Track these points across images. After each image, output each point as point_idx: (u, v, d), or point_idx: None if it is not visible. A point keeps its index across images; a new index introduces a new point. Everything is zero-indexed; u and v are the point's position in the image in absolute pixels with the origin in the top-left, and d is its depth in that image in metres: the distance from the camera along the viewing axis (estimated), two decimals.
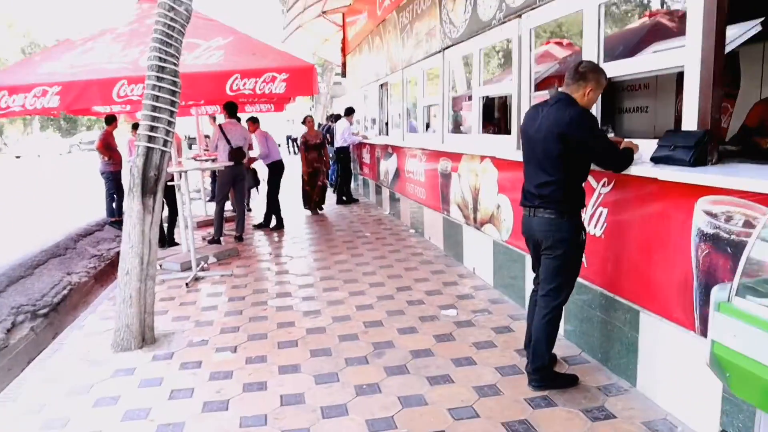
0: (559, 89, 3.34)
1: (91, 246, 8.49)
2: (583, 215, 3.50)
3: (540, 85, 6.94)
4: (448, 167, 6.80)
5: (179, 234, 7.89)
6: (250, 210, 11.34)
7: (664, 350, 3.22)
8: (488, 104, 10.51)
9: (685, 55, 3.14)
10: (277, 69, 5.72)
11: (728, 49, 3.32)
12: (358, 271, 6.37)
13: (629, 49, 7.26)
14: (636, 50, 6.86)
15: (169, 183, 7.17)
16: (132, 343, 4.40)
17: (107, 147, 9.34)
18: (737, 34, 3.53)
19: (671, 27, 8.17)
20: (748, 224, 2.64)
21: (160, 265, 6.93)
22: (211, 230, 8.45)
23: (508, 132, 6.83)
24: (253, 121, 9.23)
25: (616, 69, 3.69)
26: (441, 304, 5.12)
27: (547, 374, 3.46)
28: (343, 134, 11.73)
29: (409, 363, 3.95)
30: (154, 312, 4.59)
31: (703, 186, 2.84)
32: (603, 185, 3.71)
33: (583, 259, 3.50)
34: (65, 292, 6.52)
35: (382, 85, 11.39)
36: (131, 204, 4.36)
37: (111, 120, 9.47)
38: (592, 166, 3.38)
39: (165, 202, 7.89)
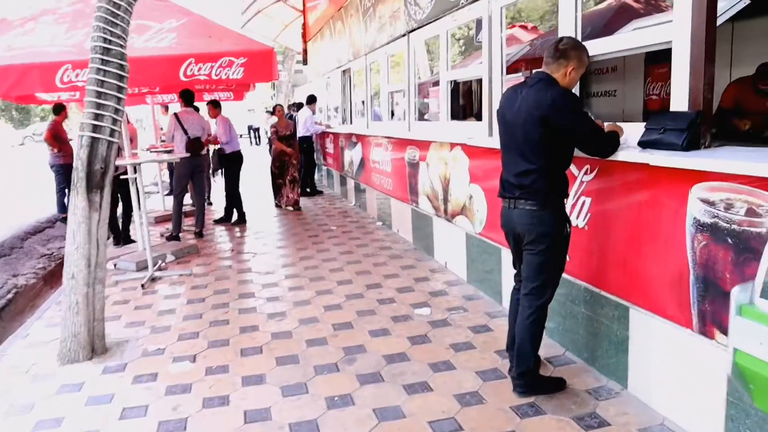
0: (539, 69, 3.08)
1: (41, 244, 7.99)
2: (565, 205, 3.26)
3: (508, 69, 6.71)
4: (415, 156, 6.52)
5: (135, 230, 7.46)
6: (210, 204, 10.91)
7: (657, 349, 3.00)
8: (453, 90, 10.29)
9: (673, 31, 2.91)
10: (234, 53, 5.35)
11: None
12: (324, 267, 6.06)
13: (597, 31, 7.08)
14: (605, 32, 6.68)
15: (123, 176, 6.76)
16: (80, 354, 4.02)
17: (56, 138, 8.80)
18: (725, 7, 3.31)
19: (638, 8, 8.05)
20: (752, 213, 2.43)
21: (114, 265, 6.52)
22: (170, 226, 8.03)
23: (477, 117, 6.60)
24: (214, 105, 8.78)
25: (598, 47, 3.44)
26: (413, 303, 4.86)
27: (532, 379, 3.22)
28: (305, 123, 11.35)
29: (384, 369, 3.67)
30: (104, 318, 4.21)
31: (699, 171, 2.62)
32: (585, 173, 3.48)
33: None
34: (9, 296, 6.06)
35: (344, 72, 11.04)
36: (75, 201, 3.97)
37: (60, 109, 8.92)
38: (575, 152, 3.14)
39: (120, 197, 7.48)
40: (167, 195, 10.43)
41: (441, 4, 5.61)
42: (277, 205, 10.13)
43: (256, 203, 10.60)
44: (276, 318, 4.68)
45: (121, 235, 7.60)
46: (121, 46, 4.10)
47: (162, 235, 8.11)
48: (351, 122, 10.80)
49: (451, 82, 5.91)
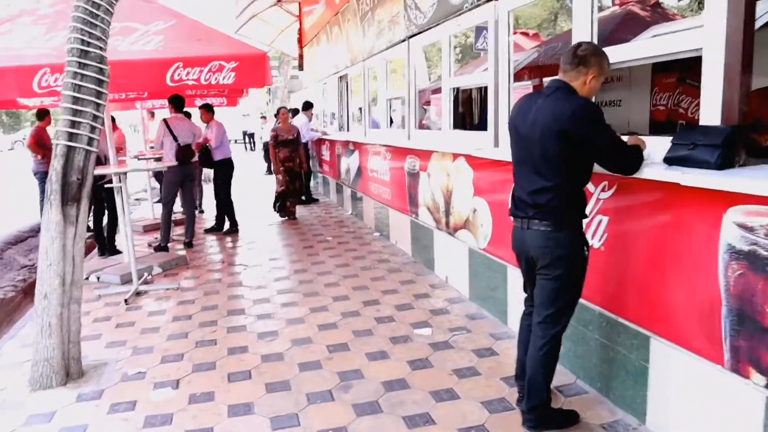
0: (555, 77, 2.81)
1: (22, 255, 7.67)
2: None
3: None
4: (415, 166, 6.25)
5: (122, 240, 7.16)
6: (202, 211, 10.62)
7: (681, 384, 2.73)
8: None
9: (704, 36, 2.64)
10: (225, 57, 5.07)
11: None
12: (319, 282, 5.77)
13: (603, 38, 6.83)
14: (613, 40, 6.43)
15: (108, 185, 6.47)
16: (53, 379, 3.72)
17: (40, 144, 8.49)
18: (764, 10, 3.05)
19: (644, 16, 7.81)
20: None
21: (98, 278, 6.22)
22: (158, 235, 7.73)
23: (477, 127, 6.32)
24: (207, 110, 8.48)
25: (619, 54, 3.17)
26: (413, 322, 4.57)
27: (544, 413, 2.94)
28: (301, 130, 11.05)
29: (382, 398, 3.38)
30: (80, 341, 3.91)
31: (735, 193, 2.34)
32: (602, 189, 3.21)
33: None
34: None
35: (341, 78, 10.78)
36: (49, 214, 3.68)
37: (43, 115, 8.62)
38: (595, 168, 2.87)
39: (106, 205, 7.18)
40: (156, 202, 10.13)
41: (443, 9, 5.35)
42: (279, 213, 9.57)
43: (248, 212, 10.31)
44: (267, 338, 4.39)
45: (106, 246, 7.30)
46: (101, 48, 3.82)
47: (150, 245, 7.82)
48: (348, 129, 10.53)
49: (454, 89, 5.64)
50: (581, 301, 3.30)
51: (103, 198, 7.12)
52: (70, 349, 3.82)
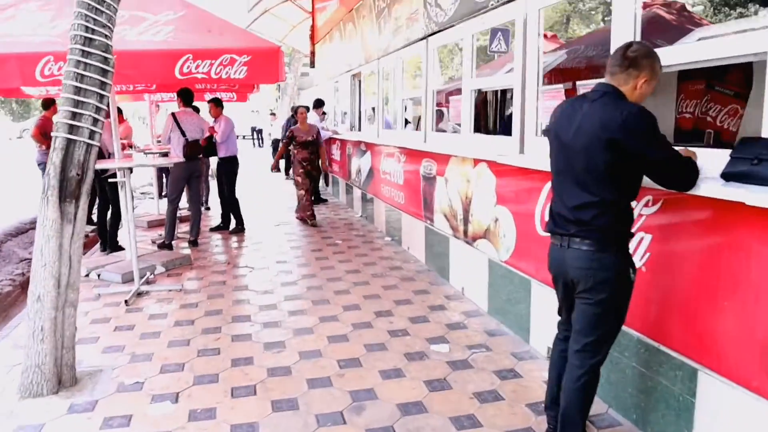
0: (601, 80, 2.54)
1: (22, 248, 7.44)
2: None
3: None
4: (432, 170, 5.98)
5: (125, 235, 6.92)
6: (208, 209, 10.37)
7: (735, 425, 2.46)
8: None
9: None
10: (237, 50, 4.82)
11: None
12: (328, 288, 5.51)
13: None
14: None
15: (111, 179, 6.24)
16: (44, 387, 3.47)
17: (44, 135, 8.23)
18: None
19: (670, 20, 7.52)
20: None
21: (98, 275, 5.98)
22: (162, 232, 7.49)
23: (493, 131, 6.05)
24: (216, 104, 8.20)
25: (672, 56, 2.90)
26: (429, 337, 4.31)
27: None
28: None
29: (398, 423, 3.12)
30: (74, 346, 3.66)
31: None
32: (646, 205, 2.94)
33: None
34: None
35: (354, 76, 10.53)
36: (45, 211, 3.43)
37: (49, 104, 8.37)
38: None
39: (109, 199, 6.95)
40: (162, 197, 9.90)
41: (467, 6, 5.08)
42: (301, 219, 8.98)
43: (256, 210, 10.08)
44: (273, 349, 4.13)
45: (107, 242, 7.06)
46: (106, 36, 3.57)
47: (153, 242, 7.58)
48: (359, 129, 10.27)
49: (475, 91, 5.37)
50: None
51: (107, 192, 6.88)
52: (63, 355, 3.57)
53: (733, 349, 2.46)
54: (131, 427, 3.15)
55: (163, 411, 3.30)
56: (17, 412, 3.32)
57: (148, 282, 5.80)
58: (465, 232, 5.21)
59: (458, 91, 9.51)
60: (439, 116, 9.88)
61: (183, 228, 8.18)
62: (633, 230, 2.79)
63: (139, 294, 5.41)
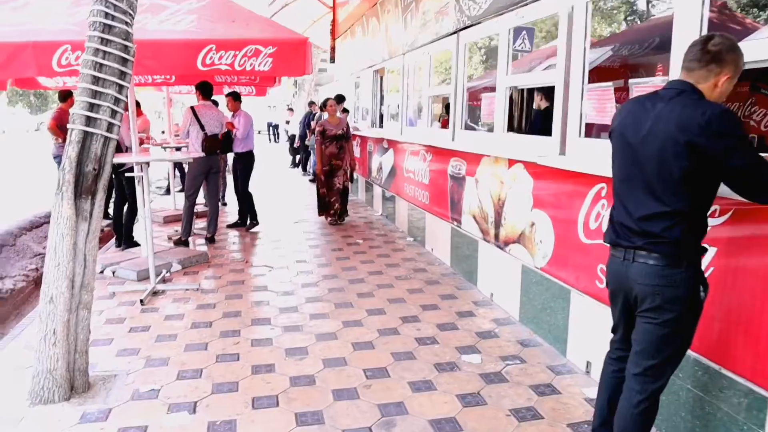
0: (676, 78, 2.29)
1: (36, 242, 7.29)
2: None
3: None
4: (461, 170, 5.74)
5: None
6: (225, 204, 10.19)
7: None
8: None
9: None
10: (262, 41, 4.60)
11: None
12: (351, 291, 5.29)
13: (668, 43, 6.26)
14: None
15: (128, 174, 6.06)
16: (55, 393, 3.28)
17: (61, 127, 8.08)
18: None
19: (711, 17, 7.21)
20: None
21: (113, 272, 5.80)
22: (179, 228, 7.32)
23: (517, 130, 5.80)
24: (235, 98, 7.99)
25: (750, 52, 2.63)
26: (459, 346, 4.08)
27: None
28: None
29: None
30: (88, 350, 3.47)
31: None
32: (711, 215, 2.68)
33: None
34: None
35: (376, 72, 10.30)
36: (59, 208, 3.24)
37: (66, 96, 8.22)
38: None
39: (127, 194, 6.78)
40: (179, 191, 9.74)
41: None
42: (322, 214, 8.62)
43: (273, 207, 9.90)
44: (296, 356, 3.92)
45: (122, 237, 6.89)
46: (127, 23, 3.38)
47: (170, 238, 7.40)
48: (381, 126, 10.04)
49: (509, 88, 5.12)
50: None
51: (125, 186, 6.71)
52: (76, 359, 3.38)
53: None
54: None
55: (180, 422, 3.10)
56: (27, 419, 3.14)
57: (164, 280, 5.62)
58: (496, 236, 4.97)
59: (480, 90, 9.27)
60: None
61: (199, 224, 8.01)
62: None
63: (154, 293, 5.22)
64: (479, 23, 5.40)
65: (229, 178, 9.98)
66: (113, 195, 7.14)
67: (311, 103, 16.20)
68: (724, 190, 2.22)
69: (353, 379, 3.57)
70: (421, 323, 4.50)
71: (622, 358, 2.53)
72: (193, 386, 3.49)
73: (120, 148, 6.83)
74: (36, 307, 5.23)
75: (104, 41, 3.30)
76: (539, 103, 5.80)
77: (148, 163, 5.68)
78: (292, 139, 18.21)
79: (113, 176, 6.97)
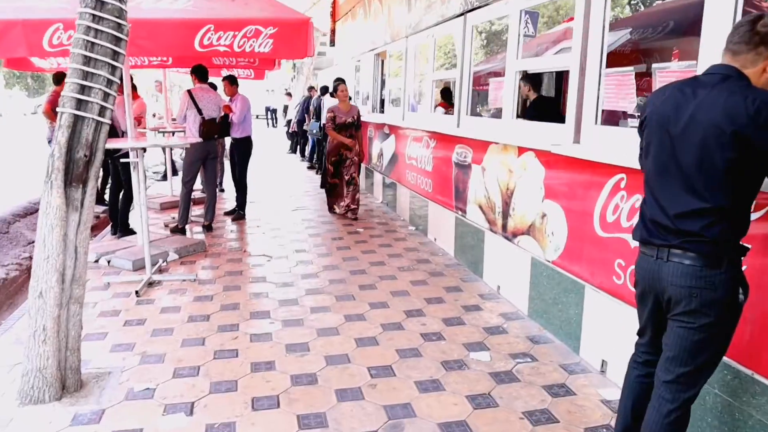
0: (719, 63, 2.10)
1: (30, 230, 7.09)
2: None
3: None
4: (466, 157, 5.56)
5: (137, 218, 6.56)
6: (222, 190, 10.00)
7: None
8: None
9: None
10: (262, 21, 4.40)
11: None
12: (352, 282, 5.12)
13: (684, 27, 6.07)
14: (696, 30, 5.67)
15: (123, 160, 5.88)
16: (46, 393, 3.12)
17: (56, 111, 7.85)
18: None
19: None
20: None
21: (108, 261, 5.63)
22: (176, 214, 7.13)
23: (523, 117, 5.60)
24: (231, 82, 7.75)
25: None
26: (467, 342, 3.92)
27: None
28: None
29: None
30: (80, 347, 3.30)
31: None
32: None
33: None
34: None
35: (378, 55, 10.07)
36: (48, 197, 3.06)
37: (61, 78, 7.94)
38: None
39: (123, 180, 6.59)
40: (173, 175, 9.54)
41: None
42: (331, 210, 8.18)
43: (272, 194, 9.72)
44: (297, 352, 3.76)
45: (118, 225, 6.71)
46: (120, 0, 3.17)
47: (166, 226, 7.22)
48: (382, 111, 9.83)
49: (519, 72, 4.93)
50: None
51: (121, 172, 6.52)
52: (67, 357, 3.21)
53: None
54: None
55: (176, 424, 2.94)
56: (16, 420, 2.97)
57: (160, 270, 5.45)
58: (504, 227, 4.80)
59: (482, 75, 9.06)
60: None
61: (197, 211, 7.82)
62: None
63: (150, 284, 5.05)
64: (487, 4, 5.19)
65: (228, 164, 9.79)
66: (109, 181, 6.95)
67: (310, 88, 15.96)
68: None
69: (357, 378, 3.41)
70: (426, 317, 4.34)
71: (649, 363, 2.37)
72: (190, 385, 3.33)
73: (116, 133, 6.63)
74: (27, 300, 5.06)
75: (96, 18, 3.10)
76: (527, 93, 5.60)
77: (144, 149, 5.48)
78: (288, 123, 18.02)
79: (109, 162, 6.78)
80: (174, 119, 8.08)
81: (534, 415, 3.04)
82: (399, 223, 7.63)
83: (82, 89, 3.09)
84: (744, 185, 1.97)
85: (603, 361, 3.52)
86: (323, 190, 10.15)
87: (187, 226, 6.97)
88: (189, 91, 6.87)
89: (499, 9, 5.03)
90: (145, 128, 8.77)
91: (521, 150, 4.47)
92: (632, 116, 5.85)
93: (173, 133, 8.72)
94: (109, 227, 7.02)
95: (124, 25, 3.22)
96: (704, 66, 2.72)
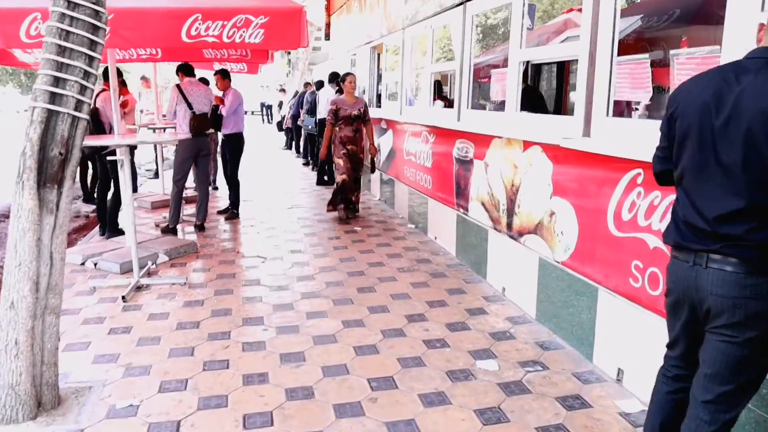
0: (761, 46, 1.87)
1: None
2: None
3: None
4: (468, 152, 5.33)
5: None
6: (216, 188, 9.75)
7: None
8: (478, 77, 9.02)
9: None
10: (252, 10, 4.16)
11: None
12: (350, 285, 4.89)
13: (692, 15, 5.85)
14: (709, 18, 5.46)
15: (110, 158, 5.62)
16: (19, 412, 2.87)
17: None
18: None
19: None
20: None
21: (95, 264, 5.38)
22: (167, 214, 6.89)
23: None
24: (224, 76, 7.49)
25: None
26: (472, 349, 3.69)
27: None
28: (327, 104, 10.13)
29: None
30: (57, 361, 3.05)
31: None
32: None
33: None
34: None
35: (374, 48, 9.82)
36: (20, 199, 2.81)
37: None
38: None
39: (110, 178, 6.35)
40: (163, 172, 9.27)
41: None
42: (334, 210, 7.47)
43: (266, 191, 9.48)
44: (291, 362, 3.52)
45: (106, 225, 6.46)
46: None
47: (157, 225, 6.98)
48: (379, 105, 9.59)
49: (523, 63, 4.69)
50: None
51: (110, 170, 6.26)
52: (43, 372, 2.97)
53: None
54: None
55: None
56: None
57: (149, 273, 5.20)
58: (509, 225, 4.57)
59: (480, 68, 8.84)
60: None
61: (189, 210, 7.58)
62: None
63: (138, 288, 4.81)
64: None
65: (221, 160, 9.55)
66: (98, 178, 6.71)
67: (306, 84, 15.69)
68: None
69: (357, 391, 3.18)
70: (429, 322, 4.11)
71: (680, 378, 2.14)
72: (177, 400, 3.09)
73: (104, 129, 6.38)
74: None
75: (71, 5, 2.85)
76: None
77: (131, 146, 5.23)
78: (279, 125, 17.87)
79: (97, 159, 6.53)
80: (164, 115, 7.81)
81: (549, 431, 2.82)
82: (398, 221, 7.40)
83: (57, 81, 2.83)
84: None
85: (619, 369, 3.30)
86: (319, 187, 9.96)
87: (178, 226, 6.72)
88: (178, 86, 6.62)
89: None
90: (134, 124, 8.50)
91: (527, 144, 4.24)
92: (635, 110, 5.64)
93: (164, 129, 8.47)
94: (97, 227, 6.77)
95: (102, 13, 2.98)
96: (729, 52, 2.50)
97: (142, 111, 11.01)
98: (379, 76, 9.94)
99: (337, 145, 7.24)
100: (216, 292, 4.73)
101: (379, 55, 9.89)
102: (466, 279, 5.05)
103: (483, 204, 5.03)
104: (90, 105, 3.02)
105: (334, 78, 10.68)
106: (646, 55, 3.34)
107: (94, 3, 2.92)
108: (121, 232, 6.43)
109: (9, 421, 2.86)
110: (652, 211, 2.98)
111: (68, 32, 2.86)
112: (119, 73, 6.94)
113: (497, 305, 4.45)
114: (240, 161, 7.64)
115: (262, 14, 4.17)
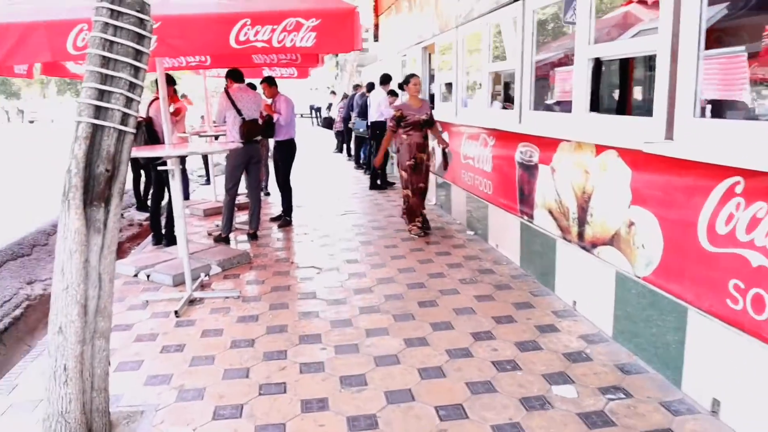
0: None
1: None
2: None
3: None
4: (532, 157, 5.01)
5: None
6: (268, 194, 9.66)
7: None
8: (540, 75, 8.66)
9: None
10: (303, 12, 3.95)
11: None
12: (411, 298, 4.64)
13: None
14: None
15: (161, 168, 5.53)
16: None
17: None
18: None
19: None
20: None
21: (147, 276, 5.30)
22: (219, 222, 6.80)
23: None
24: (270, 83, 7.36)
25: None
26: (546, 372, 3.39)
27: None
28: (379, 107, 9.94)
29: None
30: (107, 387, 2.91)
31: None
32: None
33: None
34: (18, 311, 4.88)
35: (426, 48, 9.56)
36: (66, 219, 2.67)
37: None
38: None
39: (165, 187, 6.29)
40: (216, 176, 9.22)
41: None
42: (412, 226, 6.76)
43: (319, 197, 9.33)
44: (352, 386, 3.30)
45: (162, 236, 6.39)
46: None
47: (210, 234, 6.90)
48: (432, 107, 9.30)
49: (592, 60, 4.35)
50: None
51: (163, 179, 6.20)
52: (93, 398, 2.83)
53: None
54: None
55: None
56: None
57: (202, 286, 5.08)
58: (580, 235, 4.24)
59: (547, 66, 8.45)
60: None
61: (242, 217, 7.47)
62: None
63: (191, 301, 4.69)
64: None
65: (272, 166, 9.46)
66: (151, 188, 6.67)
67: (356, 86, 15.55)
68: None
69: (424, 421, 2.93)
70: (497, 341, 3.83)
71: None
72: (233, 429, 2.91)
73: (158, 138, 6.32)
74: None
75: (114, 14, 2.70)
76: None
77: (182, 157, 5.13)
78: (326, 121, 17.84)
79: (150, 168, 6.48)
80: (215, 122, 7.74)
81: None
82: (455, 227, 7.11)
83: (101, 95, 2.69)
84: None
85: (714, 399, 2.95)
86: (372, 192, 9.76)
87: (231, 235, 6.62)
88: (227, 91, 6.51)
89: None
90: (185, 132, 8.47)
91: (599, 148, 3.90)
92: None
93: (216, 137, 8.42)
94: (150, 237, 6.72)
95: (147, 21, 2.82)
96: None
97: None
98: (432, 77, 9.67)
99: (404, 154, 6.60)
100: (271, 306, 4.55)
101: (430, 55, 9.63)
102: (533, 291, 4.73)
103: (550, 212, 4.71)
104: (136, 118, 2.86)
105: (386, 80, 10.47)
106: (742, 47, 2.97)
107: (138, 11, 2.77)
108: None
109: None
110: (755, 224, 2.63)
111: (112, 42, 2.72)
112: (172, 81, 6.89)
113: (569, 321, 4.13)
114: (292, 167, 7.49)
115: (313, 17, 3.96)
